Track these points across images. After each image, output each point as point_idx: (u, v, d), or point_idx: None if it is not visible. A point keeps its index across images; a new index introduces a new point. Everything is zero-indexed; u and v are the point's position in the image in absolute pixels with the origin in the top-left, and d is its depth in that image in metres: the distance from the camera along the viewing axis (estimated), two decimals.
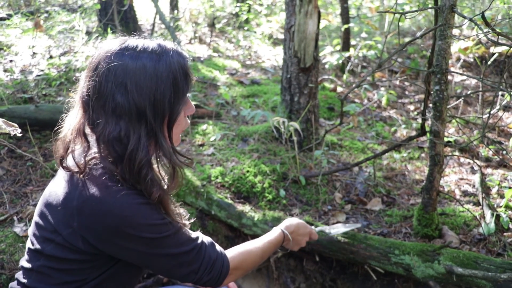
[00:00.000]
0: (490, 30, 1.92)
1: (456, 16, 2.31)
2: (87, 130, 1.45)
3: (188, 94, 1.52)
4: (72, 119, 1.49)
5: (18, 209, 2.88)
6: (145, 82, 1.37)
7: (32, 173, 3.21)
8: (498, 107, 3.08)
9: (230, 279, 1.69)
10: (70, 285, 1.48)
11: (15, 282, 1.58)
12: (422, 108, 2.61)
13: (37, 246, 1.49)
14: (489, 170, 3.37)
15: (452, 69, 5.49)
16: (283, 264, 3.00)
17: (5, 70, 4.64)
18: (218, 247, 1.66)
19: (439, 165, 2.51)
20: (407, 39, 6.70)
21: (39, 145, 3.49)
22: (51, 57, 5.09)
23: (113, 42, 1.44)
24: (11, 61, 4.97)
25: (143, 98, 1.37)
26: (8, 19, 6.25)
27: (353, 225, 2.48)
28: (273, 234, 1.94)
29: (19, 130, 1.92)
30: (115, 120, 1.38)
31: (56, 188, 1.47)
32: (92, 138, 1.45)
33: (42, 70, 4.61)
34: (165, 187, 1.52)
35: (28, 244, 1.55)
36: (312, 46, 3.40)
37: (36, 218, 1.53)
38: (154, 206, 1.43)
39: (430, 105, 2.48)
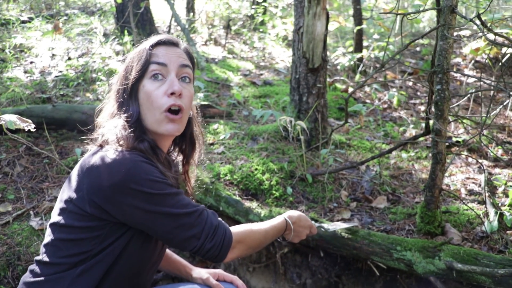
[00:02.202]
0: (500, 32, 1.97)
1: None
2: None
3: (171, 75, 1.66)
4: None
5: (35, 204, 3.00)
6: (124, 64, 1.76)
7: (48, 170, 3.33)
8: (500, 106, 3.11)
9: (234, 253, 1.69)
10: (77, 257, 1.56)
11: (33, 264, 1.68)
12: (426, 107, 2.66)
13: (54, 219, 1.62)
14: (497, 170, 3.40)
15: (465, 70, 5.50)
16: (289, 260, 3.06)
17: (25, 72, 4.79)
18: (220, 219, 1.70)
19: (441, 163, 2.55)
20: (420, 40, 6.72)
21: (56, 143, 3.61)
22: (69, 58, 5.23)
23: None
24: (31, 62, 5.11)
25: (120, 73, 1.76)
26: (30, 22, 6.43)
27: (352, 223, 2.55)
28: (276, 220, 1.96)
29: (33, 126, 2.04)
30: None
31: (77, 165, 1.62)
32: None
33: (60, 71, 4.75)
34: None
35: (49, 222, 1.67)
36: (320, 47, 3.47)
37: (59, 197, 1.67)
38: (156, 168, 1.55)
39: None
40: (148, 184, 1.48)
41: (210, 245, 1.60)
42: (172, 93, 1.61)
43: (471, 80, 5.28)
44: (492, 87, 2.30)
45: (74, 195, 1.55)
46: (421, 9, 5.13)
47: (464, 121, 3.03)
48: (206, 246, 1.59)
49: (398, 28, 5.96)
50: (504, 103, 3.07)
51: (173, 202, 1.55)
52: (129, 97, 1.66)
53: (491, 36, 3.75)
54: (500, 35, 1.97)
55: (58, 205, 1.63)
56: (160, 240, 1.68)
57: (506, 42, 2.12)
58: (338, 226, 2.53)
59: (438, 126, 2.47)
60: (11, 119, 1.92)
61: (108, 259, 1.59)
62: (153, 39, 1.69)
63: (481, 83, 2.34)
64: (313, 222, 2.19)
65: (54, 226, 1.62)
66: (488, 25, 4.20)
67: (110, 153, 1.50)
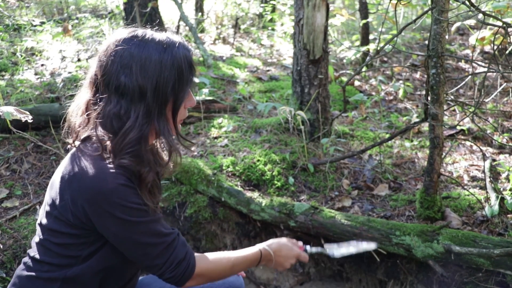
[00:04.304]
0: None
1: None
2: (90, 108, 1.57)
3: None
4: (80, 98, 1.62)
5: (41, 199, 3.07)
6: (150, 67, 1.50)
7: (55, 166, 3.40)
8: (496, 92, 3.10)
9: (192, 284, 1.69)
10: (66, 259, 1.59)
11: (27, 256, 1.70)
12: (424, 93, 2.66)
13: (42, 220, 1.63)
14: (501, 157, 3.38)
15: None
16: None
17: (36, 74, 4.88)
18: (189, 249, 1.68)
19: (438, 148, 2.55)
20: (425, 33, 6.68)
21: (63, 141, 3.67)
22: (79, 60, 5.32)
23: (124, 31, 1.58)
24: (42, 65, 5.21)
25: (146, 81, 1.50)
26: (41, 25, 6.55)
27: (369, 244, 2.05)
28: (252, 250, 1.87)
29: (30, 117, 2.09)
30: (117, 98, 1.51)
31: (61, 167, 1.61)
32: (92, 115, 1.56)
33: (70, 72, 4.82)
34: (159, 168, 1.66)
35: (38, 220, 1.68)
36: (321, 39, 3.48)
37: (46, 196, 1.66)
38: (136, 191, 1.51)
39: None
40: (121, 209, 1.47)
41: (169, 275, 1.62)
42: (190, 106, 1.67)
43: (480, 70, 5.24)
44: (486, 71, 2.30)
45: (58, 202, 1.55)
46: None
47: (459, 105, 3.02)
48: (165, 275, 1.62)
49: (402, 21, 5.93)
50: (499, 89, 3.05)
51: (144, 230, 1.54)
52: (158, 110, 1.56)
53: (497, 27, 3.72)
54: (489, 15, 1.97)
55: (45, 206, 1.63)
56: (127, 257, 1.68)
57: (497, 22, 2.12)
58: (349, 247, 2.03)
59: (434, 111, 2.47)
60: (8, 111, 1.97)
61: (98, 264, 1.62)
62: (191, 61, 1.61)
63: (473, 65, 2.34)
64: (308, 247, 2.00)
65: (42, 227, 1.63)
66: (493, 14, 4.17)
67: (93, 165, 1.48)
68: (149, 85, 1.50)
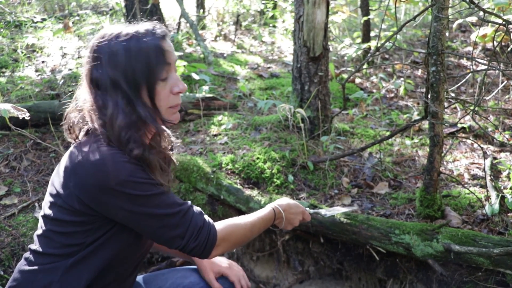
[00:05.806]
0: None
1: None
2: (84, 104, 1.63)
3: (174, 73, 1.65)
4: (77, 95, 1.68)
5: (40, 197, 3.06)
6: (118, 57, 1.54)
7: (54, 163, 3.39)
8: (497, 89, 3.08)
9: (219, 251, 1.71)
10: (70, 248, 1.60)
11: (28, 252, 1.71)
12: (425, 91, 2.65)
13: (46, 211, 1.64)
14: (502, 155, 3.36)
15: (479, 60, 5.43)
16: (291, 247, 3.07)
17: (36, 70, 4.87)
18: (206, 217, 1.70)
19: (438, 146, 2.53)
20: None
21: (62, 138, 3.66)
22: (79, 57, 5.31)
23: (103, 30, 1.63)
24: (43, 62, 5.21)
25: (116, 71, 1.55)
26: (42, 22, 6.55)
27: (350, 207, 2.53)
28: (264, 211, 1.94)
29: (28, 114, 2.08)
30: (95, 91, 1.58)
31: (63, 159, 1.63)
32: (85, 111, 1.62)
33: (70, 69, 4.82)
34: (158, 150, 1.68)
35: (41, 213, 1.69)
36: (321, 36, 3.46)
37: (48, 188, 1.68)
38: (140, 167, 1.54)
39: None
40: (131, 185, 1.49)
41: (194, 245, 1.62)
42: (178, 92, 1.65)
43: (481, 67, 5.22)
44: (486, 68, 2.28)
45: (62, 191, 1.56)
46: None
47: (460, 103, 3.00)
48: (190, 245, 1.62)
49: (404, 18, 5.90)
50: (500, 86, 3.03)
51: (157, 203, 1.56)
52: (136, 96, 1.58)
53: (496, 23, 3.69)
54: (490, 12, 1.95)
55: (48, 197, 1.65)
56: (146, 237, 1.71)
57: (498, 20, 2.10)
58: (336, 211, 2.49)
59: (434, 109, 2.46)
60: (5, 108, 1.96)
61: (100, 250, 1.62)
62: (159, 45, 1.61)
63: (474, 63, 2.33)
64: (307, 208, 2.16)
65: (45, 218, 1.65)
66: (494, 11, 4.14)
67: (96, 151, 1.50)
68: (119, 75, 1.55)
